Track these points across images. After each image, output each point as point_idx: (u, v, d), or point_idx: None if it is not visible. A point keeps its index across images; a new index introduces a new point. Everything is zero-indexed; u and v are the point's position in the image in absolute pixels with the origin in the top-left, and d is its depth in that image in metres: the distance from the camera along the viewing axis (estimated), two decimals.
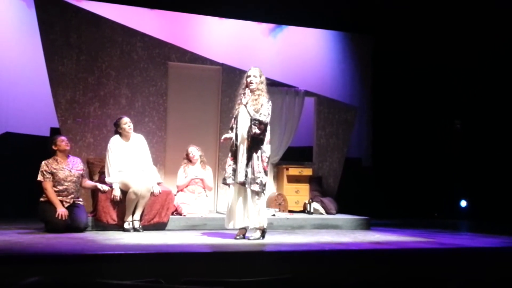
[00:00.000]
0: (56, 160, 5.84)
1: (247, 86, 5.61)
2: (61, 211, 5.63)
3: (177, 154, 7.28)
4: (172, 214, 6.47)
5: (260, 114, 5.47)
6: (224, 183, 5.62)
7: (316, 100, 8.64)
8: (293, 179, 8.05)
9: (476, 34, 8.89)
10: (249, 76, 5.60)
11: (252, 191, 5.44)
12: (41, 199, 5.76)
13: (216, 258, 4.58)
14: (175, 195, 6.68)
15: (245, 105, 5.51)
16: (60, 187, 5.78)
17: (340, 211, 7.85)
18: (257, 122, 5.44)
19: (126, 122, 6.21)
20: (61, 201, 5.73)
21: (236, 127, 5.59)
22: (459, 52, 9.09)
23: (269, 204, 7.52)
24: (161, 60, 7.61)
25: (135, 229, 5.94)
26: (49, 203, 5.68)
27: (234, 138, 5.61)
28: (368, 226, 7.21)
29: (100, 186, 6.02)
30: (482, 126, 9.24)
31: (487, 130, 9.16)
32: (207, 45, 8.20)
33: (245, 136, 5.51)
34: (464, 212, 9.52)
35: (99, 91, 7.30)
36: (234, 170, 5.50)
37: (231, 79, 7.80)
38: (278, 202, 7.71)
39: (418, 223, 8.01)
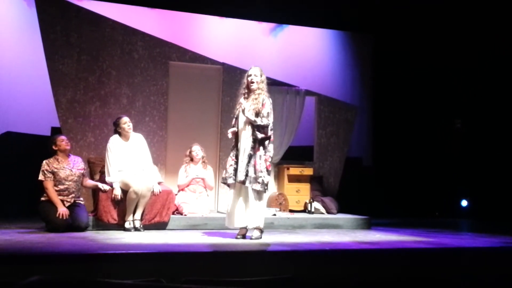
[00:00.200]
0: (57, 160, 5.85)
1: (248, 85, 5.61)
2: (62, 210, 5.63)
3: (178, 153, 7.28)
4: (173, 213, 6.47)
5: (262, 117, 5.46)
6: (224, 182, 5.62)
7: (316, 99, 8.64)
8: (293, 179, 8.04)
9: (476, 34, 8.88)
10: (250, 75, 5.60)
11: (254, 190, 5.44)
12: (42, 198, 5.76)
13: (217, 257, 4.59)
14: (176, 194, 6.68)
15: (243, 111, 5.49)
16: (61, 187, 5.78)
17: (340, 210, 7.84)
18: (260, 127, 5.45)
19: (126, 122, 6.21)
20: (62, 201, 5.74)
21: (237, 127, 5.60)
22: (459, 51, 9.09)
23: (270, 204, 7.52)
24: (161, 59, 7.61)
25: (136, 229, 5.94)
26: (50, 203, 5.68)
27: (235, 138, 5.62)
28: (369, 225, 7.22)
29: (101, 185, 6.02)
30: (483, 125, 9.23)
31: (488, 129, 9.15)
32: (207, 45, 8.20)
33: (246, 136, 5.51)
34: (465, 212, 9.52)
35: (100, 91, 7.29)
36: (235, 170, 5.50)
37: (231, 78, 7.79)
38: (279, 201, 7.71)
39: (418, 222, 8.00)
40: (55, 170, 5.76)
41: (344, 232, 6.69)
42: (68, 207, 5.72)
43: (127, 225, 5.95)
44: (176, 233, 5.95)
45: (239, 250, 4.86)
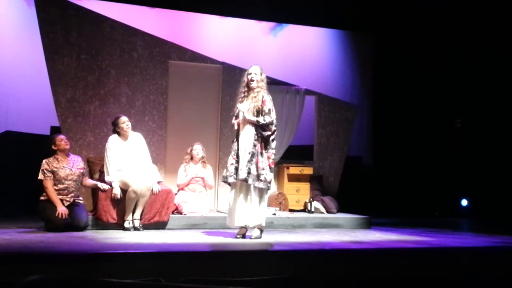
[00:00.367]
0: (57, 159, 5.84)
1: (247, 83, 5.61)
2: (62, 209, 5.62)
3: (177, 152, 7.27)
4: (173, 213, 6.46)
5: (264, 115, 5.45)
6: (225, 181, 5.60)
7: (316, 98, 8.63)
8: (293, 178, 8.03)
9: (476, 33, 8.88)
10: (250, 74, 5.59)
11: (256, 188, 5.43)
12: (42, 197, 5.75)
13: (216, 257, 4.58)
14: (175, 194, 6.67)
15: (244, 113, 5.49)
16: (61, 186, 5.77)
17: (340, 210, 7.84)
18: (264, 126, 5.45)
19: (124, 121, 6.20)
20: (62, 200, 5.73)
21: (237, 127, 5.59)
22: (459, 51, 9.08)
23: (269, 203, 7.50)
24: (161, 58, 7.60)
25: (135, 228, 5.93)
26: (50, 202, 5.67)
27: (235, 137, 5.61)
28: (368, 225, 7.21)
29: (101, 185, 6.01)
30: (483, 125, 9.23)
31: (488, 129, 9.15)
32: (207, 44, 8.19)
33: (246, 135, 5.50)
34: (465, 211, 9.53)
35: (99, 90, 7.28)
36: (236, 169, 5.49)
37: (231, 77, 7.78)
38: (278, 201, 7.70)
39: (418, 222, 8.00)
40: (55, 169, 5.75)
41: (344, 231, 6.68)
42: (67, 207, 5.71)
43: (126, 224, 5.95)
44: (176, 233, 5.94)
45: (238, 250, 4.85)
